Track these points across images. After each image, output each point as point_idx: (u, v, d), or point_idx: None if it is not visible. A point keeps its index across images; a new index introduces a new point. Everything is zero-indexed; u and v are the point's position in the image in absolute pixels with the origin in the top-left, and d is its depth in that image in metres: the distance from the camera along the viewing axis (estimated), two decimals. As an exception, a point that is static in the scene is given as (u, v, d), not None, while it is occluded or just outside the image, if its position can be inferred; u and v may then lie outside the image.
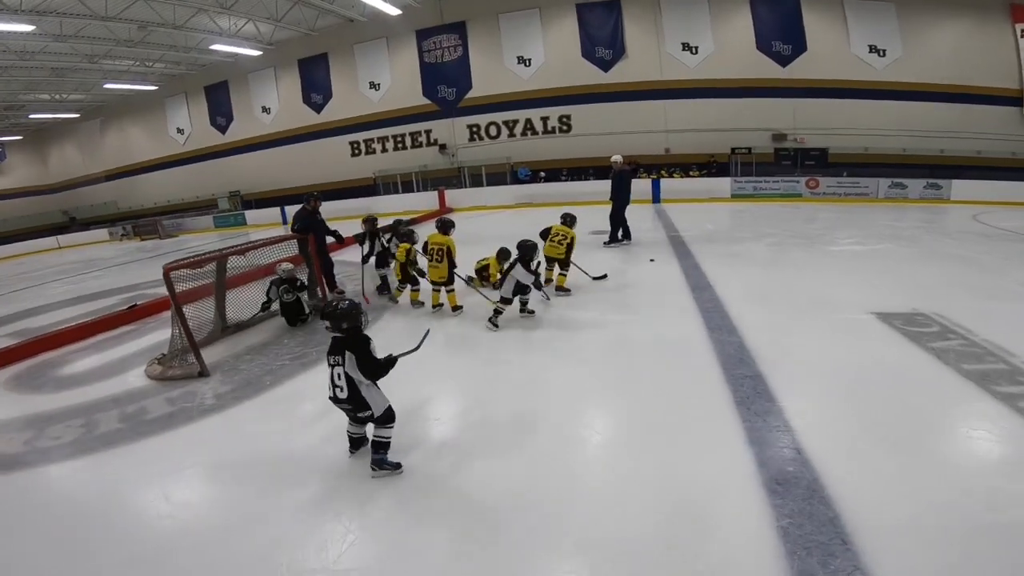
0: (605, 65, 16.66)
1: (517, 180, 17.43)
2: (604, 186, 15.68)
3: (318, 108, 20.24)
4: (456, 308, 5.84)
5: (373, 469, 2.96)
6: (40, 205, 28.02)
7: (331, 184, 20.50)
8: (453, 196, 17.62)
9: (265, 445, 3.50)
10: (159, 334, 5.88)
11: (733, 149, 15.36)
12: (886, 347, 4.21)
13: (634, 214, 13.46)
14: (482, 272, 6.60)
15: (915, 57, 16.09)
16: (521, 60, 17.22)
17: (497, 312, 5.25)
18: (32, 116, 23.71)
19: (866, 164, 15.14)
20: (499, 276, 6.04)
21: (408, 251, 6.04)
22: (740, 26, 16.58)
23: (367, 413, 2.91)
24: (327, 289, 7.07)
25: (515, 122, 17.84)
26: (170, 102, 23.15)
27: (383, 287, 6.85)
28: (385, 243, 6.64)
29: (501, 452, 3.13)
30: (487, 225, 13.19)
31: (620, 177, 9.10)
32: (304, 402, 4.10)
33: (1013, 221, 9.78)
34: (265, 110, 21.31)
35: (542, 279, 5.81)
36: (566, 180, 16.58)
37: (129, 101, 23.63)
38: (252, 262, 6.04)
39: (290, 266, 5.77)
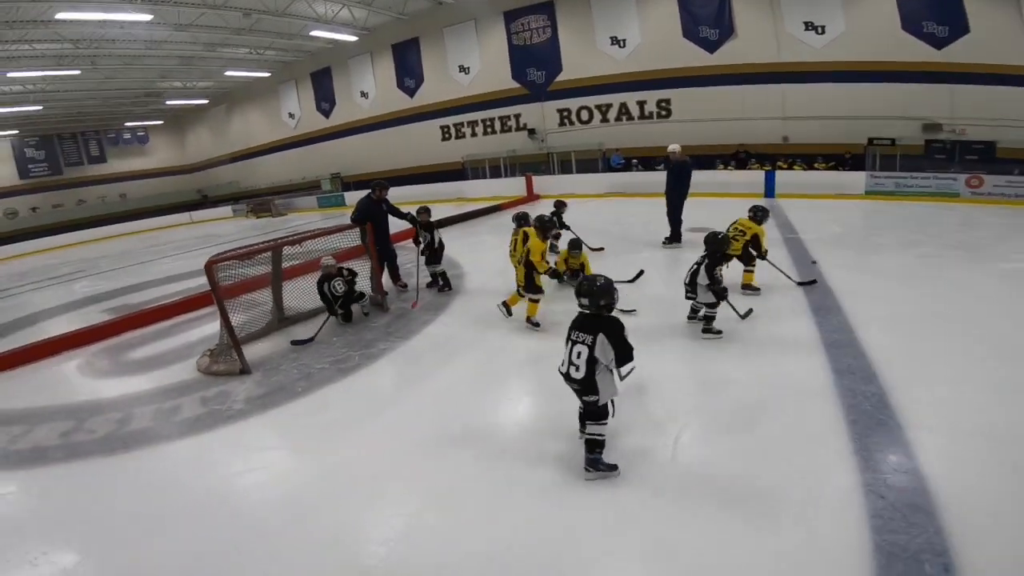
0: (711, 46, 14.81)
1: (609, 168, 16.22)
2: (704, 177, 14.26)
3: (411, 92, 20.35)
4: (533, 322, 4.97)
5: (588, 470, 2.77)
6: (178, 184, 31.60)
7: (422, 168, 20.69)
8: (541, 182, 16.85)
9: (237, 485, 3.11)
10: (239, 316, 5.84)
11: (871, 139, 12.95)
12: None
13: (741, 209, 11.89)
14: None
15: None
16: (615, 41, 15.85)
17: (708, 319, 4.44)
18: (168, 102, 26.45)
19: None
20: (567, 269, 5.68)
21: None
22: (880, 4, 13.97)
23: (593, 399, 2.71)
24: (393, 281, 6.77)
25: (608, 106, 16.55)
26: (282, 88, 24.64)
27: (433, 283, 6.37)
28: (438, 240, 6.14)
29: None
30: (575, 214, 12.34)
31: (679, 169, 7.95)
32: (317, 426, 3.68)
33: None
34: (363, 95, 21.89)
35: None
36: (662, 169, 15.04)
37: (249, 88, 25.51)
38: (312, 250, 5.80)
39: (332, 260, 5.41)
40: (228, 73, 22.47)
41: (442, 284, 6.42)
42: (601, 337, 2.62)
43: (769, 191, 13.13)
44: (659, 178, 14.36)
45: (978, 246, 7.21)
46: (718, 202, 12.76)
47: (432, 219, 6.30)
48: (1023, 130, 12.96)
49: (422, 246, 6.27)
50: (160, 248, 15.21)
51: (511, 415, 3.64)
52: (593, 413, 2.77)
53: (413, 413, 3.70)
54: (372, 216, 6.01)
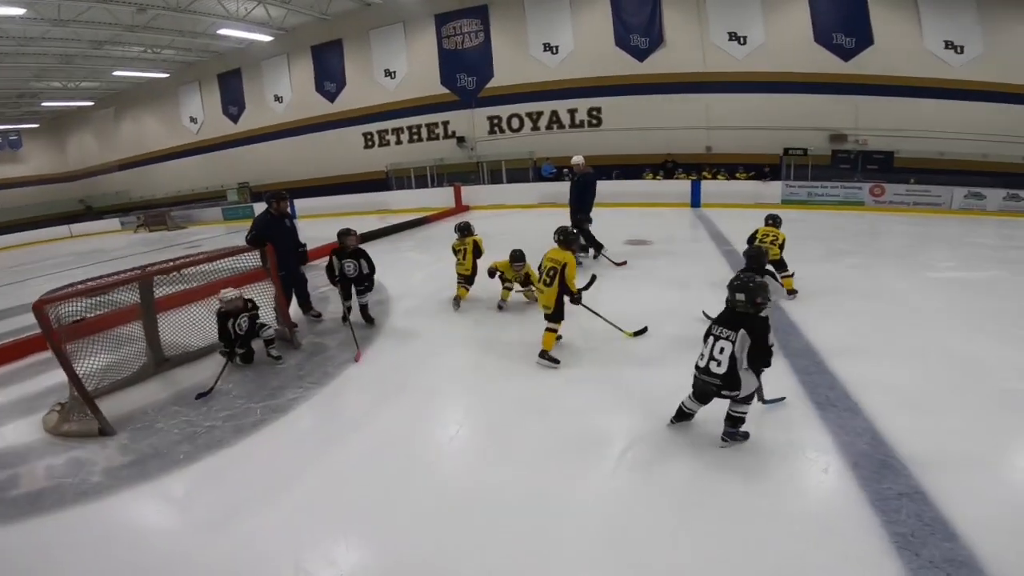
0: (641, 54, 15.07)
1: (540, 177, 15.96)
2: (636, 186, 14.36)
3: (331, 97, 19.06)
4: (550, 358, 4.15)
5: (724, 440, 2.91)
6: (57, 193, 27.70)
7: (342, 177, 19.42)
8: (470, 193, 16.29)
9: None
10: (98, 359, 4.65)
11: (786, 150, 13.62)
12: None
13: (671, 218, 12.01)
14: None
15: (998, 55, 14.15)
16: (548, 48, 15.74)
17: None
18: (46, 104, 23.15)
19: (937, 171, 13.28)
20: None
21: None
22: (796, 15, 14.87)
23: (734, 393, 2.75)
24: (303, 311, 5.79)
25: (539, 114, 16.36)
26: (183, 90, 22.31)
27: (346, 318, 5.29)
28: (366, 267, 5.25)
29: None
30: (506, 224, 11.83)
31: (582, 181, 7.62)
32: (202, 507, 2.80)
33: None
34: (277, 99, 20.25)
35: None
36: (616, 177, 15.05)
37: (142, 89, 22.86)
38: (202, 278, 4.76)
39: (234, 293, 4.42)
40: (117, 73, 19.99)
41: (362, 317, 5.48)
42: (743, 333, 2.65)
43: (695, 201, 13.44)
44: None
45: (901, 254, 7.51)
46: (647, 212, 12.90)
47: (358, 241, 5.32)
48: (919, 140, 14.20)
49: (352, 275, 5.20)
50: (32, 267, 12.93)
51: (458, 481, 2.94)
52: (743, 398, 2.78)
53: (333, 485, 2.92)
54: (273, 235, 5.05)
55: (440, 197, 16.32)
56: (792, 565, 2.10)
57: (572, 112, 15.87)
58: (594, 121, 15.69)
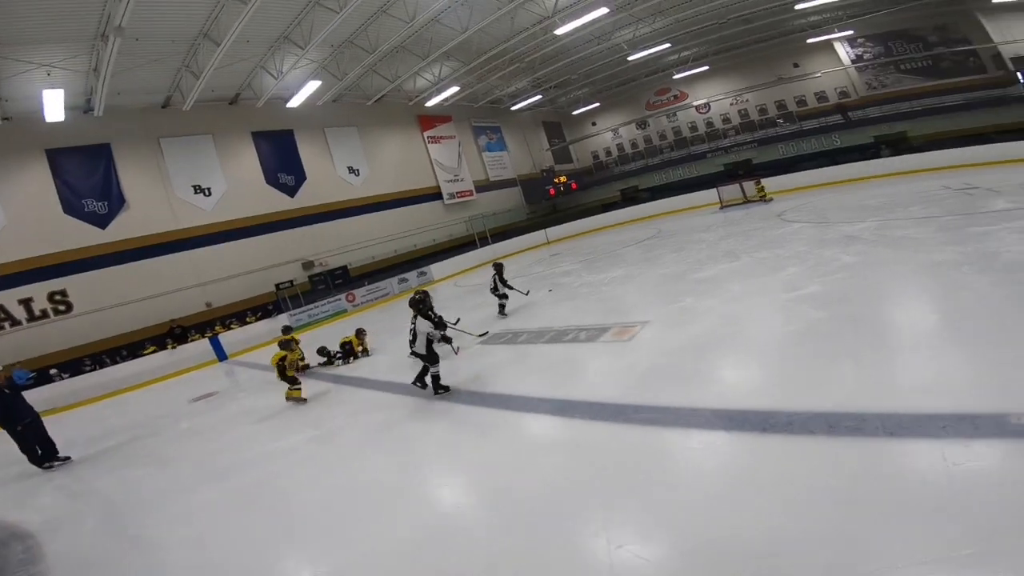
0: (101, 220, 14.47)
1: (17, 386, 12.70)
2: (136, 367, 13.27)
3: None
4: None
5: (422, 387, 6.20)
6: None
7: None
8: None
9: None
10: None
11: (277, 286, 16.68)
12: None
13: (202, 380, 12.18)
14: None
15: (377, 172, 21.76)
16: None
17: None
18: None
19: (376, 270, 19.74)
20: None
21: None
22: (247, 162, 17.78)
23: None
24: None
25: (-23, 313, 12.94)
26: None
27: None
28: None
29: None
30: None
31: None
32: None
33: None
34: None
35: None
36: (91, 370, 13.37)
37: None
38: None
39: None
40: None
41: None
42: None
43: (221, 355, 14.75)
44: (96, 380, 13.25)
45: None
46: (163, 387, 12.34)
47: None
48: (360, 251, 20.18)
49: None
50: None
51: None
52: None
53: None
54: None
55: None
56: None
57: (27, 302, 13.42)
58: (62, 307, 13.92)
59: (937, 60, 23.29)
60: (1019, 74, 20.59)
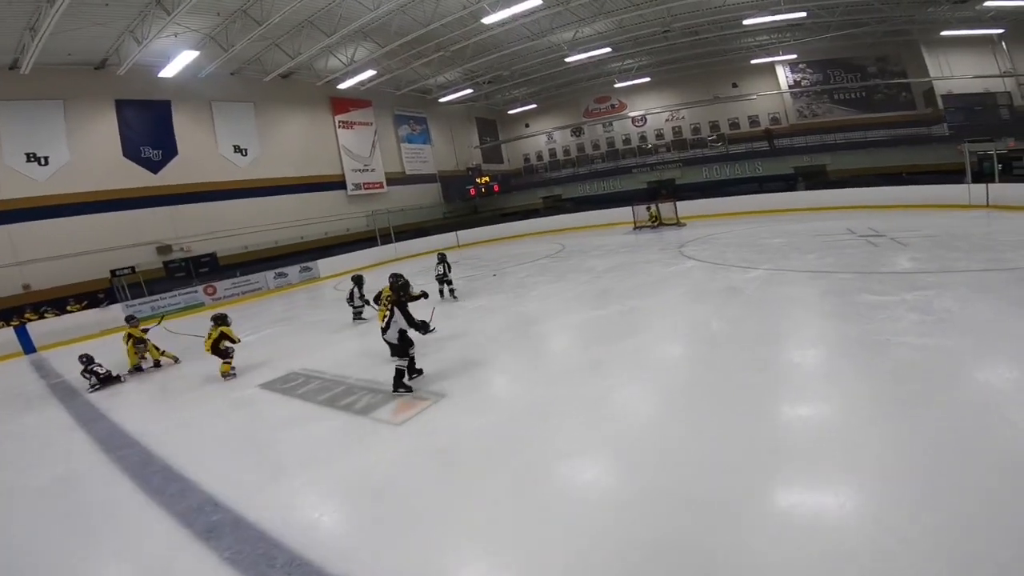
0: None
1: None
2: None
3: None
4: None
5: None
6: None
7: None
8: None
9: None
10: None
11: (113, 272, 14.70)
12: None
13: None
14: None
15: (271, 153, 19.86)
16: None
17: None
18: None
19: (252, 261, 17.89)
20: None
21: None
22: (104, 132, 15.72)
23: None
24: None
25: None
26: None
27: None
28: None
29: None
30: None
31: None
32: None
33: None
34: None
35: None
36: None
37: None
38: None
39: None
40: None
41: None
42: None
43: (28, 347, 12.79)
44: None
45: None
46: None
47: None
48: (233, 238, 18.31)
49: None
50: None
51: None
52: None
53: None
54: None
55: None
56: None
57: None
58: None
59: (871, 92, 22.90)
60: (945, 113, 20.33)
